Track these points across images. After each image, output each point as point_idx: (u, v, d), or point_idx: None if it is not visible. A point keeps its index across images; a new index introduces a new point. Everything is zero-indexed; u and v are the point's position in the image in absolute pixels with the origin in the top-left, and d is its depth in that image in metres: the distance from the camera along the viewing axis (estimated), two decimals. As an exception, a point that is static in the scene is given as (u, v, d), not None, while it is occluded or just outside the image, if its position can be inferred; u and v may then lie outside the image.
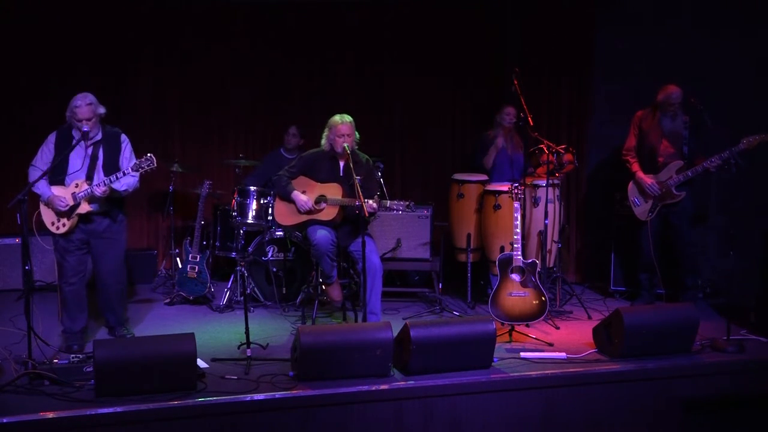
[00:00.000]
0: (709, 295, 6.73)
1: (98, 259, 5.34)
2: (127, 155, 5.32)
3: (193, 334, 4.47)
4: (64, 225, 5.16)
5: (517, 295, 5.49)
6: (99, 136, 5.23)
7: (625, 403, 4.86)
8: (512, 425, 4.68)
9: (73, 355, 4.64)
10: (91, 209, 5.17)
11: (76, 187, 5.13)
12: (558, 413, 4.75)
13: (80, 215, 5.16)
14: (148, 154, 5.09)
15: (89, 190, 5.09)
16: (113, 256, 5.37)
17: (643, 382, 4.89)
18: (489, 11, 8.00)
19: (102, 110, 5.18)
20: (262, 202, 6.54)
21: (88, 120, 5.10)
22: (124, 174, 5.12)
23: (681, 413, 4.93)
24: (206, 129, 7.87)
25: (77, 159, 5.18)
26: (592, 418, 4.81)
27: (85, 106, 5.08)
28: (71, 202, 5.10)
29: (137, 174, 5.18)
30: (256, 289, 6.57)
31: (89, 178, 5.17)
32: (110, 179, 5.09)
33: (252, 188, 6.57)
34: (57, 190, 5.13)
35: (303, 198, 5.62)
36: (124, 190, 5.22)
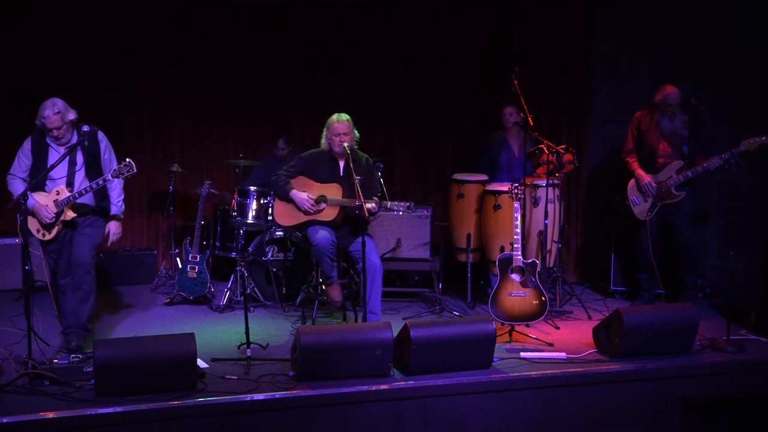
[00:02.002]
0: (709, 295, 6.74)
1: (72, 240, 5.16)
2: (107, 156, 5.25)
3: (193, 334, 4.47)
4: (50, 233, 5.12)
5: (517, 295, 5.49)
6: (74, 140, 5.12)
7: (625, 403, 4.86)
8: (512, 425, 4.68)
9: (73, 355, 4.64)
10: (75, 215, 5.12)
11: (57, 194, 5.06)
12: (558, 413, 4.75)
13: (65, 221, 5.11)
14: (127, 159, 4.99)
15: (70, 197, 5.03)
16: (88, 241, 5.16)
17: (643, 382, 4.89)
18: (489, 11, 7.99)
19: (72, 116, 5.07)
20: (262, 202, 6.54)
21: (59, 128, 5.02)
22: (105, 181, 5.04)
23: (681, 413, 4.93)
24: (206, 129, 7.86)
25: (57, 166, 5.04)
26: (592, 418, 4.81)
27: (53, 116, 4.97)
28: (54, 210, 5.05)
29: (120, 179, 5.12)
30: (256, 289, 6.57)
31: (69, 184, 5.09)
32: (92, 186, 5.03)
33: (252, 188, 6.57)
34: (39, 198, 5.07)
35: (302, 196, 5.60)
36: (119, 202, 5.27)
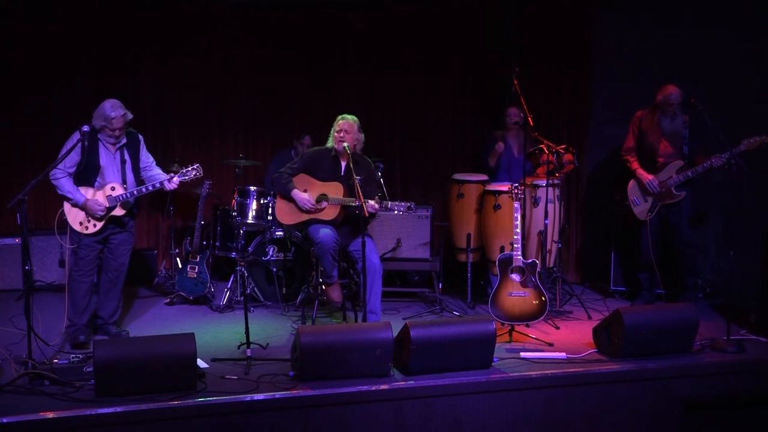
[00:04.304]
0: (709, 295, 6.74)
1: (116, 250, 5.46)
2: (144, 154, 5.51)
3: (193, 334, 4.47)
4: (95, 226, 5.28)
5: (517, 295, 5.49)
6: (124, 140, 5.38)
7: (625, 403, 4.86)
8: (512, 425, 4.68)
9: (73, 355, 4.65)
10: (124, 212, 5.34)
11: (113, 190, 5.27)
12: (558, 413, 4.75)
13: (112, 217, 5.31)
14: (196, 164, 5.43)
15: (126, 194, 5.27)
16: (128, 249, 5.55)
17: (643, 382, 4.89)
18: (489, 11, 7.99)
19: (130, 116, 5.32)
20: (262, 202, 6.54)
21: (120, 129, 5.27)
22: (170, 180, 5.35)
23: (681, 413, 4.93)
24: (206, 129, 7.87)
25: (108, 163, 5.30)
26: (592, 418, 4.81)
27: (119, 118, 5.21)
28: (106, 204, 5.23)
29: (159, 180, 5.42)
30: (256, 289, 6.57)
31: (124, 182, 5.33)
32: (154, 185, 5.34)
33: (252, 188, 6.58)
34: (88, 193, 5.24)
35: (304, 196, 5.61)
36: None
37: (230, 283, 6.56)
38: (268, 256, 6.61)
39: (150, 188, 5.37)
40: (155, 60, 7.66)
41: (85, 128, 5.10)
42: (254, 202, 6.55)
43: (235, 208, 6.56)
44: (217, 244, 7.07)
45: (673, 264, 6.44)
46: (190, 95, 7.78)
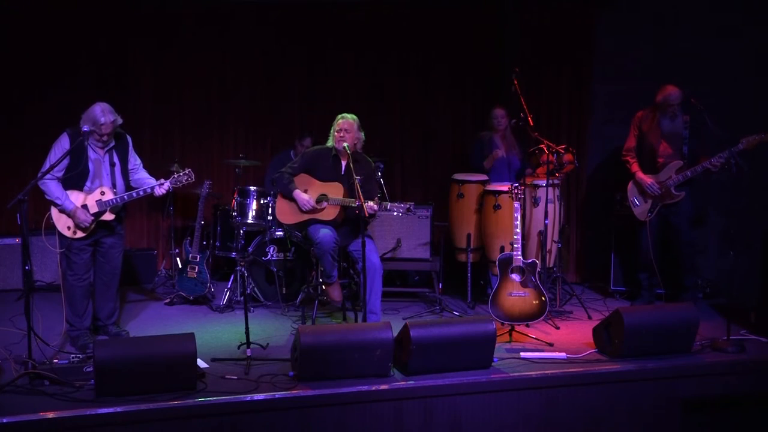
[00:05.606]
0: (709, 295, 6.74)
1: (107, 253, 5.41)
2: (132, 156, 5.45)
3: (193, 334, 4.47)
4: (83, 231, 5.22)
5: (517, 295, 5.49)
6: (113, 143, 5.32)
7: (625, 403, 4.86)
8: (512, 425, 4.68)
9: (73, 355, 4.65)
10: (113, 216, 5.28)
11: (102, 194, 5.21)
12: (558, 413, 4.75)
13: (101, 221, 5.26)
14: (188, 170, 5.35)
15: (116, 200, 5.21)
16: (120, 252, 5.50)
17: (643, 382, 4.89)
18: (489, 11, 7.99)
19: (120, 121, 5.24)
20: (262, 202, 6.55)
21: (109, 134, 5.20)
22: (161, 186, 5.28)
23: (681, 413, 4.93)
24: (206, 129, 7.87)
25: (97, 166, 5.25)
26: (592, 418, 4.81)
27: (109, 123, 5.14)
28: (96, 209, 5.18)
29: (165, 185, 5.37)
30: (256, 289, 6.57)
31: (114, 186, 5.27)
32: (145, 190, 5.28)
33: (252, 188, 6.58)
34: (79, 198, 5.18)
35: (305, 197, 5.62)
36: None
37: (230, 283, 6.56)
38: (268, 256, 6.61)
39: (141, 193, 5.30)
40: (155, 59, 7.66)
41: (86, 128, 5.08)
42: (254, 202, 6.55)
43: (235, 208, 6.56)
44: (217, 244, 7.07)
45: (673, 264, 6.44)
46: (190, 95, 7.78)
